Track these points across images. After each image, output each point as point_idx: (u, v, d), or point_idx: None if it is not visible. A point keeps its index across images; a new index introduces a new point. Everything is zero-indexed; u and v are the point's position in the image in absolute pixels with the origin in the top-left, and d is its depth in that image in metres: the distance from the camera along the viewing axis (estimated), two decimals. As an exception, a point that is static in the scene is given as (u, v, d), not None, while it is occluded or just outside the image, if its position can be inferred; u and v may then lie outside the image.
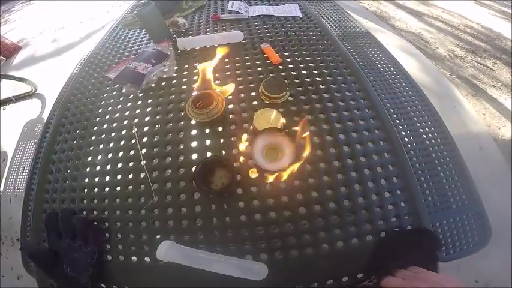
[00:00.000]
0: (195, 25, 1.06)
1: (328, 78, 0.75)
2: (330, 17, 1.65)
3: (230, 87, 0.67)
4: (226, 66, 0.82)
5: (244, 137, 0.58)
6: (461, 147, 1.07)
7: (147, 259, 0.56)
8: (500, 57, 2.63)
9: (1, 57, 2.36)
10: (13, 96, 2.66)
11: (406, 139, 1.03)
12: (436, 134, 1.07)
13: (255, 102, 0.71)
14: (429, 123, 1.10)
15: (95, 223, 0.62)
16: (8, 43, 3.51)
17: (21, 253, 1.03)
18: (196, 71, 0.83)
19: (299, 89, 0.73)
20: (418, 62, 2.43)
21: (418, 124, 1.09)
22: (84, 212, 0.64)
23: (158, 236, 0.57)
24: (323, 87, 0.73)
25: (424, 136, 1.06)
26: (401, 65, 1.35)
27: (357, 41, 1.44)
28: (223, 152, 0.63)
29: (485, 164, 1.69)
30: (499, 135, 1.90)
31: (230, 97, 0.69)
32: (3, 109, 2.69)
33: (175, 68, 0.85)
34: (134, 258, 0.57)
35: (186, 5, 1.19)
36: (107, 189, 0.66)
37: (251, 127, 0.65)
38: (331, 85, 0.73)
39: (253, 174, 0.58)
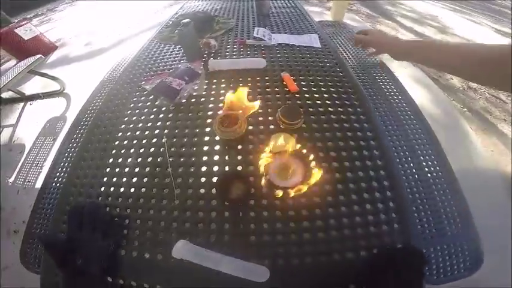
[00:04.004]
0: (223, 47, 1.16)
1: (339, 109, 0.83)
2: (347, 46, 1.73)
3: (253, 110, 0.75)
4: (249, 91, 0.88)
5: (261, 156, 0.66)
6: (464, 181, 1.11)
7: (159, 256, 0.61)
8: (515, 90, 2.63)
9: (40, 55, 2.52)
10: (41, 93, 2.81)
11: (406, 165, 1.08)
12: (438, 168, 1.12)
13: (271, 126, 0.79)
14: (432, 157, 1.15)
15: (116, 219, 0.67)
16: (47, 42, 3.74)
17: (20, 246, 1.08)
18: (223, 91, 0.92)
19: (312, 117, 0.81)
20: (430, 93, 2.48)
21: (419, 153, 1.15)
22: (108, 208, 0.70)
23: (174, 236, 0.62)
24: (334, 117, 0.81)
25: (426, 169, 1.11)
26: (410, 97, 1.41)
27: (370, 70, 1.52)
28: (241, 168, 0.71)
29: (487, 199, 1.69)
30: (505, 172, 1.89)
31: (250, 119, 0.77)
32: (30, 104, 2.83)
33: (205, 87, 0.94)
34: (147, 255, 0.61)
35: (217, 26, 1.30)
36: (132, 189, 0.72)
37: (268, 149, 0.71)
38: (341, 116, 0.81)
39: (266, 189, 0.65)
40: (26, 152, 2.24)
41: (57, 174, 1.27)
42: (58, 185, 1.23)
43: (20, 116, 2.73)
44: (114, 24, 4.48)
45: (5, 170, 2.15)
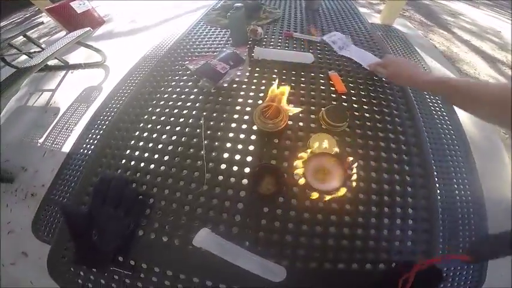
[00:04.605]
0: (268, 37, 1.13)
1: (386, 118, 0.78)
2: (398, 51, 1.65)
3: (296, 106, 0.72)
4: (292, 85, 0.87)
5: (299, 154, 0.63)
6: (490, 210, 1.09)
7: (176, 241, 0.59)
8: None
9: (89, 28, 2.65)
10: (83, 63, 3.01)
11: (437, 185, 1.04)
12: (468, 193, 1.10)
13: (312, 125, 0.76)
14: (466, 181, 1.13)
15: (141, 197, 0.66)
16: (96, 16, 3.96)
17: (36, 212, 1.09)
18: (264, 81, 0.89)
19: (357, 122, 0.77)
20: (475, 114, 2.31)
21: (453, 175, 1.13)
22: (134, 184, 0.68)
23: (196, 222, 0.61)
24: (380, 125, 0.76)
25: (457, 192, 1.09)
26: (457, 116, 1.34)
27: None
28: (274, 162, 0.68)
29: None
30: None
31: (291, 114, 0.73)
32: (71, 72, 3.02)
33: (247, 74, 0.92)
34: (165, 238, 0.60)
35: (263, 15, 1.27)
36: (163, 167, 0.70)
37: (308, 149, 0.67)
38: (388, 125, 0.77)
39: (300, 189, 0.63)
40: (59, 115, 2.36)
41: (87, 141, 1.30)
42: (86, 151, 1.26)
43: (60, 82, 2.89)
44: (158, 4, 4.54)
45: (36, 131, 2.26)
